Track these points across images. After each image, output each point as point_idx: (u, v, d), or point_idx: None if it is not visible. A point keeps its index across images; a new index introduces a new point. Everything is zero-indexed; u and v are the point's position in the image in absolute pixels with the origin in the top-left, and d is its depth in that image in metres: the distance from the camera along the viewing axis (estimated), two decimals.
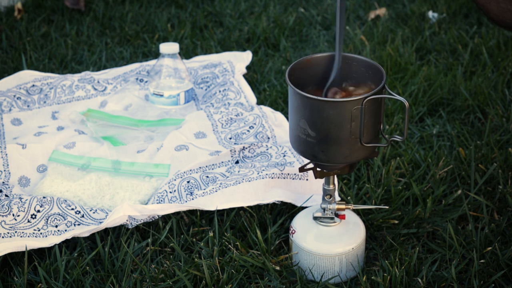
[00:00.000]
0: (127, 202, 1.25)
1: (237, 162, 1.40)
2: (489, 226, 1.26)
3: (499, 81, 1.70)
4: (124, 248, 1.22)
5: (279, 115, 1.55)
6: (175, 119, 1.55)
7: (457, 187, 1.38)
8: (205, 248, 1.23)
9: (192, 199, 1.30)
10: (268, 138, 1.47)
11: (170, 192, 1.32)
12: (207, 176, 1.35)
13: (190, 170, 1.36)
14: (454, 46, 1.88)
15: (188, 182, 1.34)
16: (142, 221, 1.27)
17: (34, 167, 1.41)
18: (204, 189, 1.31)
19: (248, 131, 1.48)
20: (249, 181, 1.31)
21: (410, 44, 1.88)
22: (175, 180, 1.34)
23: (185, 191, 1.32)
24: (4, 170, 1.38)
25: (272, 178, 1.32)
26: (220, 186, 1.31)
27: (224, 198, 1.29)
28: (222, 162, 1.39)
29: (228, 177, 1.34)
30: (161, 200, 1.31)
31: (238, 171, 1.35)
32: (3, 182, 1.35)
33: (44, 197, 1.28)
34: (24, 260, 1.20)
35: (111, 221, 1.24)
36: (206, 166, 1.38)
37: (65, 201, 1.28)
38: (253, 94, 1.63)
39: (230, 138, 1.47)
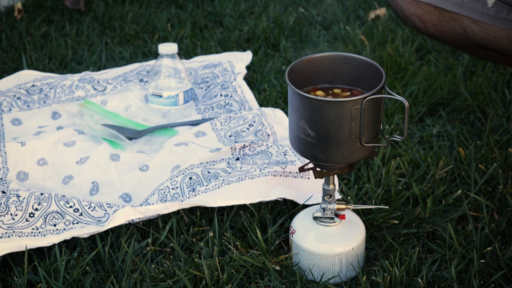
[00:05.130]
0: (128, 206, 1.25)
1: (237, 159, 1.40)
2: (489, 226, 1.26)
3: (499, 81, 1.70)
4: (124, 248, 1.22)
5: (279, 112, 1.55)
6: (173, 131, 1.54)
7: (457, 187, 1.38)
8: (205, 248, 1.23)
9: (195, 195, 1.30)
10: (268, 135, 1.47)
11: (173, 189, 1.32)
12: (209, 172, 1.35)
13: (191, 165, 1.36)
14: None
15: (190, 178, 1.34)
16: (144, 218, 1.28)
17: (34, 161, 1.41)
18: (207, 186, 1.31)
19: (247, 129, 1.49)
20: (252, 178, 1.31)
21: (410, 44, 1.88)
22: (177, 176, 1.34)
23: (187, 187, 1.32)
24: (3, 167, 1.38)
25: (274, 176, 1.32)
26: (222, 182, 1.31)
27: (226, 195, 1.29)
28: (223, 159, 1.40)
29: (230, 173, 1.34)
30: (164, 197, 1.31)
31: (240, 167, 1.35)
32: (0, 178, 1.35)
33: (41, 194, 1.28)
34: (24, 260, 1.20)
35: (113, 222, 1.24)
36: (207, 162, 1.38)
37: (63, 197, 1.28)
38: (256, 101, 1.62)
39: (230, 136, 1.47)
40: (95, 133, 1.49)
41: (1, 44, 1.94)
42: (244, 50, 1.90)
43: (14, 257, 1.23)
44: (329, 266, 1.18)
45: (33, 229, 1.25)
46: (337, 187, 1.33)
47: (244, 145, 1.42)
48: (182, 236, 1.27)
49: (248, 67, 1.80)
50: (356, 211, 1.31)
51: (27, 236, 1.23)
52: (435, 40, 1.20)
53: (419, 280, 1.16)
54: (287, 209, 1.33)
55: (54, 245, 1.24)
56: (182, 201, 1.31)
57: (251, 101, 1.62)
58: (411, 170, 1.41)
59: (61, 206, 1.27)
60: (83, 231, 1.24)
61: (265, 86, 1.71)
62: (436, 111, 1.63)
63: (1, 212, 1.24)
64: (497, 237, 1.25)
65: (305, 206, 1.31)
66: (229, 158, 1.40)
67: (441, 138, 1.53)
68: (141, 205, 1.33)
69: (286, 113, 1.57)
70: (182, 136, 1.47)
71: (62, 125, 1.55)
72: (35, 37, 1.96)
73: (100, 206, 1.30)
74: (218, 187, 1.31)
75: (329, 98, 1.06)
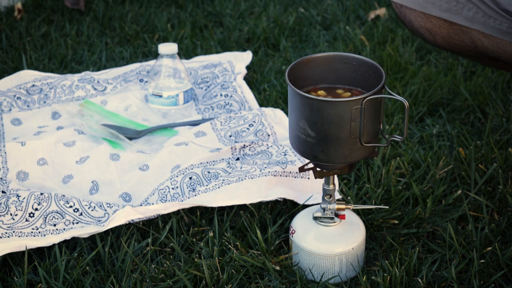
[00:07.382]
0: (128, 206, 1.25)
1: (237, 159, 1.40)
2: (489, 226, 1.26)
3: (499, 81, 1.70)
4: (124, 248, 1.22)
5: (279, 112, 1.55)
6: (173, 131, 1.54)
7: (457, 187, 1.38)
8: (205, 248, 1.23)
9: (195, 195, 1.30)
10: (268, 135, 1.47)
11: (173, 189, 1.32)
12: (209, 172, 1.35)
13: (192, 165, 1.36)
14: None
15: (190, 178, 1.34)
16: (144, 218, 1.27)
17: (34, 161, 1.41)
18: (207, 185, 1.31)
19: (247, 129, 1.49)
20: (252, 178, 1.31)
21: (410, 44, 1.88)
22: (177, 176, 1.34)
23: (187, 187, 1.32)
24: (3, 167, 1.38)
25: (275, 175, 1.32)
26: (222, 182, 1.31)
27: (227, 195, 1.29)
28: (223, 159, 1.40)
29: (230, 173, 1.34)
30: (164, 197, 1.31)
31: (241, 167, 1.35)
32: (0, 178, 1.35)
33: (41, 194, 1.28)
34: (24, 260, 1.20)
35: (113, 222, 1.24)
36: (207, 162, 1.38)
37: (63, 196, 1.28)
38: (256, 101, 1.62)
39: (230, 136, 1.47)
40: (95, 133, 1.49)
41: (1, 44, 1.94)
42: (244, 50, 1.90)
43: (14, 257, 1.23)
44: (329, 266, 1.18)
45: (33, 229, 1.25)
46: (337, 187, 1.33)
47: (244, 145, 1.42)
48: (182, 236, 1.27)
49: (248, 67, 1.80)
50: (356, 211, 1.31)
51: (27, 236, 1.23)
52: (442, 50, 1.20)
53: (419, 280, 1.16)
54: (287, 209, 1.33)
55: (54, 245, 1.24)
56: (182, 201, 1.31)
57: (251, 101, 1.62)
58: (411, 170, 1.41)
59: (61, 206, 1.27)
60: (83, 231, 1.24)
61: (265, 86, 1.71)
62: (436, 111, 1.63)
63: (1, 212, 1.24)
64: (497, 237, 1.25)
65: (305, 206, 1.31)
66: (229, 158, 1.40)
67: (441, 138, 1.53)
68: (141, 205, 1.33)
69: (286, 113, 1.57)
70: (182, 136, 1.47)
71: (62, 125, 1.55)
72: (35, 37, 1.96)
73: (100, 206, 1.30)
74: (218, 187, 1.31)
75: (329, 98, 1.06)
